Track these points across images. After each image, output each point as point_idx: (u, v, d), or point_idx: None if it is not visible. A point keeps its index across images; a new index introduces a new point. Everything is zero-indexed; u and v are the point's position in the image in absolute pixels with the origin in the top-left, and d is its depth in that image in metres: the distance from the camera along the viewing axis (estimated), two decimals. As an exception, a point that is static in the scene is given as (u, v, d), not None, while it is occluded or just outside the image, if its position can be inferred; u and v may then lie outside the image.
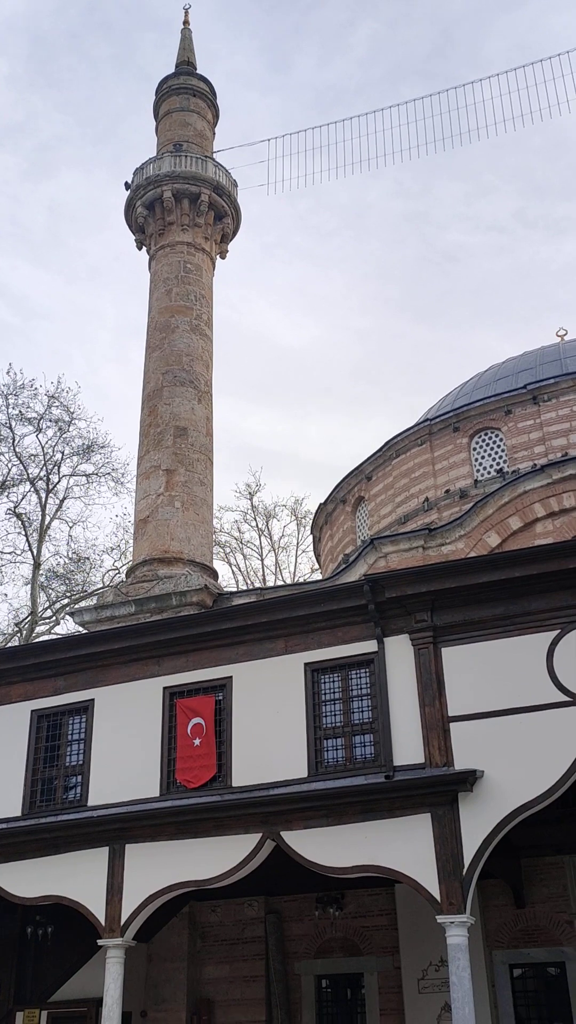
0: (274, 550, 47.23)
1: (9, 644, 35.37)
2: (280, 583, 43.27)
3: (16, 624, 37.73)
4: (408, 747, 12.66)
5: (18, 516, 37.62)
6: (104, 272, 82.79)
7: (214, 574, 24.68)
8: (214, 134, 31.87)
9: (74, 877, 13.69)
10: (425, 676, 12.89)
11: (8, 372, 38.13)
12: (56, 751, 15.02)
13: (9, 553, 38.13)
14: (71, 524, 39.55)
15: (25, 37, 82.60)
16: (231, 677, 14.19)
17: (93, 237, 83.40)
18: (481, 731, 12.33)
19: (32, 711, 15.39)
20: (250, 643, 14.27)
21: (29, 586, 37.32)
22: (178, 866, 13.15)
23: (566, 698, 12.06)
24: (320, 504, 31.85)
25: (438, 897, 11.60)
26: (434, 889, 11.64)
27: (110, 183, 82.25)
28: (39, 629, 36.97)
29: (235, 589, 35.60)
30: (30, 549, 37.49)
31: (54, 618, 37.92)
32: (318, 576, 37.84)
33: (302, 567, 46.49)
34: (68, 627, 36.37)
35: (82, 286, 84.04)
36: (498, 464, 25.81)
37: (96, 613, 22.63)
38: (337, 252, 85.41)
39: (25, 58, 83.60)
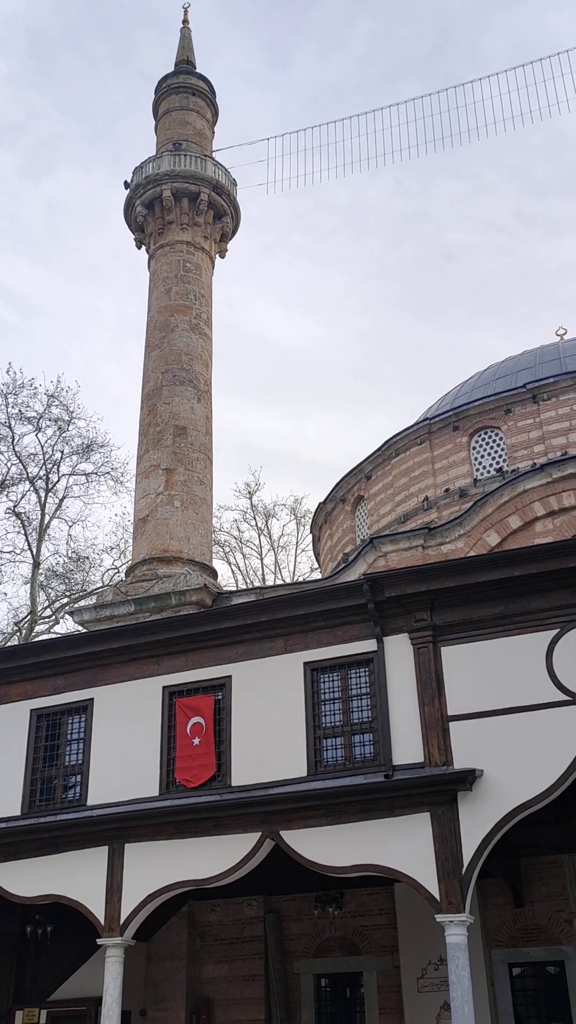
0: (273, 549, 47.26)
1: (8, 643, 35.38)
2: (279, 582, 43.27)
3: (15, 623, 37.73)
4: (407, 746, 12.66)
5: (17, 515, 37.61)
6: (103, 271, 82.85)
7: (213, 573, 24.68)
8: (213, 133, 31.85)
9: (73, 876, 13.69)
10: (424, 675, 12.89)
11: (7, 371, 38.09)
12: (55, 750, 15.02)
13: (8, 552, 38.13)
14: (70, 523, 39.54)
15: (24, 36, 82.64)
16: (230, 676, 14.19)
17: (92, 236, 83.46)
18: (480, 730, 12.33)
19: (31, 710, 15.39)
20: (249, 642, 14.27)
21: (28, 585, 37.32)
22: (177, 865, 13.15)
23: (565, 697, 12.07)
24: (319, 503, 31.85)
25: (437, 896, 11.60)
26: (433, 888, 11.64)
27: (109, 182, 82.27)
28: (38, 628, 36.96)
29: (234, 588, 35.59)
30: (29, 548, 37.49)
31: (53, 617, 37.92)
32: (317, 575, 37.84)
33: (301, 566, 46.53)
34: (67, 626, 36.37)
35: (81, 285, 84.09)
36: (498, 463, 25.80)
37: (95, 612, 22.63)
38: (336, 251, 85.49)
39: (24, 56, 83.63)
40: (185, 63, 32.23)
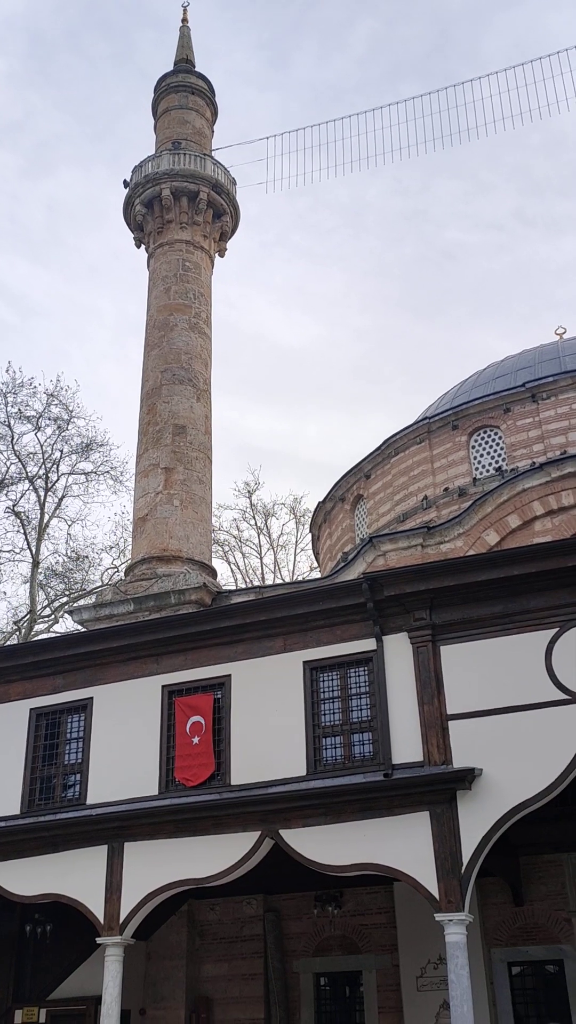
0: (273, 548, 47.25)
1: (8, 642, 35.37)
2: (279, 581, 43.26)
3: (15, 622, 37.73)
4: (407, 745, 12.66)
5: (17, 514, 37.59)
6: (103, 270, 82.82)
7: (213, 572, 24.68)
8: (213, 132, 31.84)
9: (73, 875, 13.70)
10: (424, 674, 12.89)
11: (7, 370, 38.05)
12: (55, 749, 15.03)
13: (8, 551, 38.10)
14: (70, 522, 39.51)
15: (24, 35, 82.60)
16: (230, 675, 14.20)
17: (92, 235, 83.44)
18: (480, 729, 12.33)
19: (31, 709, 15.39)
20: (249, 641, 14.27)
21: (28, 584, 37.30)
22: (177, 864, 13.16)
23: (564, 696, 12.07)
24: (319, 502, 31.84)
25: (437, 895, 11.61)
26: (433, 887, 11.65)
27: (109, 181, 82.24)
28: (38, 627, 36.94)
29: (234, 587, 35.61)
30: (29, 547, 37.46)
31: (53, 616, 37.90)
32: (317, 574, 37.84)
33: (301, 565, 46.52)
34: (67, 625, 36.35)
35: (81, 284, 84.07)
36: (497, 462, 25.81)
37: (95, 611, 22.63)
38: (336, 250, 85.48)
39: (24, 56, 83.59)
40: (184, 62, 32.22)
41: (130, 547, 26.80)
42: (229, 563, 46.02)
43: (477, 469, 26.07)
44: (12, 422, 37.20)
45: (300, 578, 43.00)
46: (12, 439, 37.21)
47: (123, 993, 13.22)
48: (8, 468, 37.32)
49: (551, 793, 11.69)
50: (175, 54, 32.66)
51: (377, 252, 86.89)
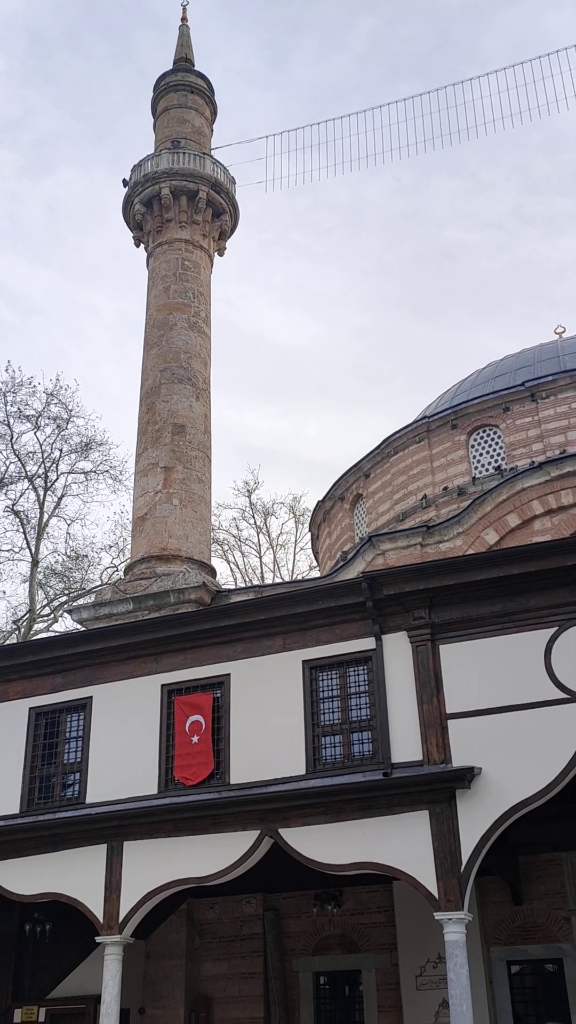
0: (272, 548, 47.27)
1: (7, 642, 35.39)
2: (278, 581, 43.29)
3: (14, 622, 37.75)
4: (406, 744, 12.67)
5: (16, 514, 37.62)
6: (102, 269, 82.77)
7: (212, 571, 24.68)
8: (212, 131, 31.82)
9: (72, 874, 13.71)
10: (423, 673, 12.90)
11: (7, 369, 38.11)
12: (54, 748, 15.03)
13: (7, 551, 38.15)
14: (69, 522, 39.58)
15: (24, 34, 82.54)
16: (229, 674, 14.20)
17: (91, 234, 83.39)
18: (479, 728, 12.34)
19: (30, 708, 15.39)
20: (248, 640, 14.27)
21: (27, 584, 37.33)
22: (176, 863, 13.16)
23: (564, 695, 12.08)
24: (318, 502, 31.84)
25: (436, 894, 11.61)
26: (432, 886, 11.66)
27: (108, 180, 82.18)
28: (37, 627, 36.97)
29: (233, 587, 35.61)
30: (28, 547, 37.50)
31: (52, 616, 37.95)
32: (316, 573, 37.85)
33: (300, 565, 46.55)
34: (66, 625, 36.38)
35: (80, 283, 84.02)
36: (496, 461, 25.81)
37: (94, 611, 22.62)
38: (335, 249, 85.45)
39: (23, 55, 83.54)
40: (184, 61, 32.19)
41: (129, 546, 26.80)
42: (228, 562, 46.08)
43: (476, 468, 26.07)
44: (12, 421, 37.30)
45: (299, 577, 43.03)
46: (11, 438, 37.30)
47: (122, 992, 13.23)
48: (7, 467, 37.39)
49: (550, 792, 11.70)
50: (174, 53, 32.63)
51: (376, 251, 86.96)
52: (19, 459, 37.48)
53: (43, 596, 38.40)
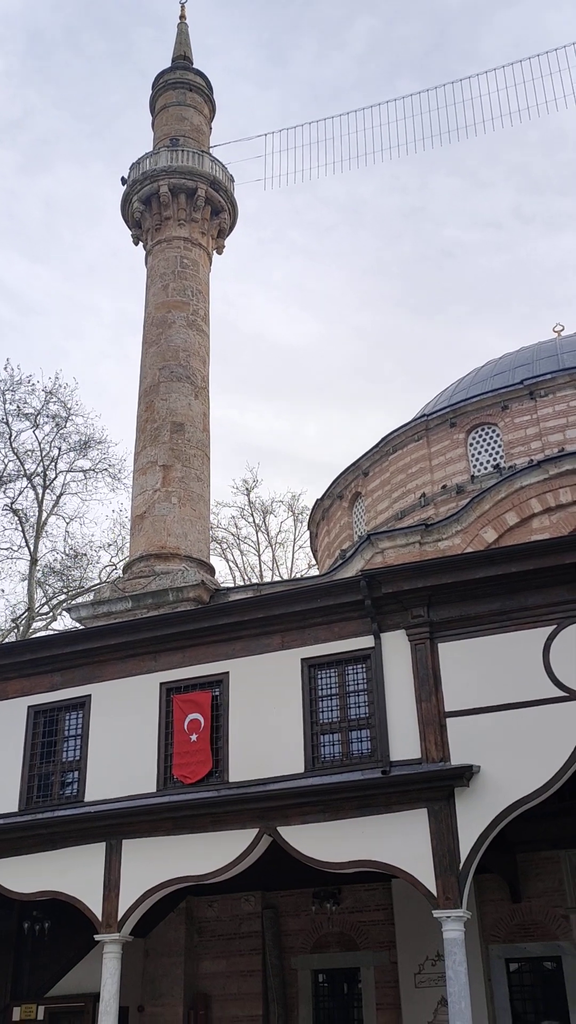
0: (271, 546, 47.29)
1: (6, 640, 35.38)
2: (277, 579, 43.28)
3: (13, 620, 37.75)
4: (405, 742, 12.67)
5: (15, 512, 37.61)
6: (101, 267, 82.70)
7: (211, 570, 24.68)
8: (211, 129, 31.79)
9: (71, 872, 13.70)
10: (422, 671, 12.90)
11: (5, 368, 38.00)
12: (53, 747, 15.03)
13: (6, 549, 38.15)
14: (68, 520, 39.59)
15: (22, 33, 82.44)
16: (228, 673, 14.20)
17: (90, 232, 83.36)
18: (477, 726, 12.34)
19: (29, 707, 15.39)
20: (247, 638, 14.27)
21: (26, 582, 37.33)
22: (175, 861, 13.16)
23: (562, 693, 12.08)
24: (317, 500, 31.85)
25: (434, 892, 11.62)
26: (430, 884, 11.66)
27: (107, 178, 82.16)
28: (36, 625, 36.96)
29: (232, 585, 35.62)
30: (27, 545, 37.49)
31: (51, 614, 37.93)
32: (315, 572, 37.86)
33: (299, 563, 46.57)
34: (65, 623, 36.38)
35: (79, 281, 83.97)
36: (495, 460, 25.81)
37: (93, 609, 22.63)
38: (334, 248, 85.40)
39: (22, 53, 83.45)
40: (182, 59, 32.16)
41: (128, 545, 26.77)
42: (227, 561, 46.10)
43: (475, 467, 26.07)
44: (10, 419, 37.28)
45: (298, 576, 43.06)
46: (10, 436, 37.28)
47: (121, 990, 13.24)
48: (6, 465, 37.38)
49: (549, 790, 11.71)
50: (173, 51, 32.59)
51: (375, 250, 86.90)
52: (18, 457, 37.49)
53: (42, 594, 38.42)
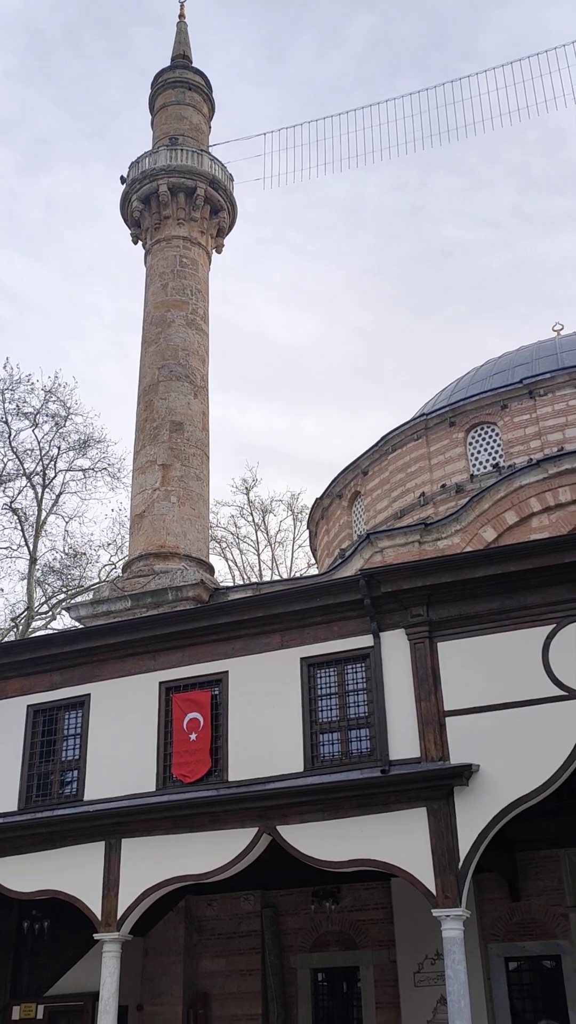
0: (270, 545, 47.29)
1: (5, 639, 35.38)
2: (276, 578, 43.29)
3: (12, 619, 37.75)
4: (404, 741, 12.67)
5: (14, 511, 37.61)
6: (100, 267, 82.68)
7: (210, 569, 24.68)
8: (210, 128, 31.77)
9: (70, 871, 13.70)
10: (421, 670, 12.90)
11: (4, 367, 37.98)
12: (52, 746, 15.03)
13: (5, 548, 38.15)
14: (67, 519, 39.59)
15: (21, 32, 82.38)
16: (227, 672, 14.20)
17: (89, 231, 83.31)
18: (477, 725, 12.34)
19: (28, 706, 15.38)
20: (246, 638, 14.27)
21: (25, 581, 37.34)
22: (174, 861, 13.16)
23: (562, 692, 12.08)
24: (316, 499, 31.85)
25: (434, 891, 11.62)
26: (430, 883, 11.67)
27: (106, 177, 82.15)
28: (35, 624, 36.97)
29: (231, 584, 35.61)
30: (26, 544, 37.49)
31: (50, 613, 37.94)
32: (314, 571, 37.86)
33: (298, 562, 46.58)
34: (64, 622, 36.40)
35: (78, 280, 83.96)
36: (494, 459, 25.82)
37: (92, 608, 22.62)
38: (334, 247, 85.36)
39: (21, 52, 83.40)
40: (181, 58, 32.14)
41: (127, 544, 26.77)
42: (227, 560, 46.11)
43: (474, 466, 26.07)
44: (9, 419, 37.28)
45: (297, 575, 43.07)
46: (9, 436, 37.29)
47: (121, 989, 13.24)
48: (5, 464, 37.38)
49: (548, 789, 11.71)
50: (172, 50, 32.58)
51: (375, 249, 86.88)
52: (17, 456, 37.48)
53: (41, 594, 38.41)
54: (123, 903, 13.22)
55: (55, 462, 38.13)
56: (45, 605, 38.19)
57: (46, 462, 37.93)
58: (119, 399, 77.42)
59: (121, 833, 13.57)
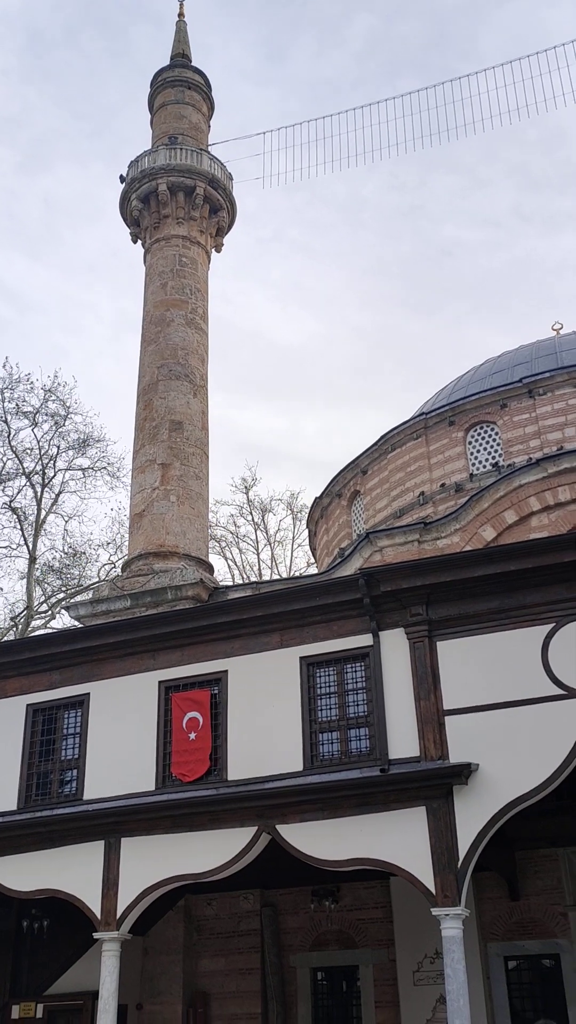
0: (270, 544, 47.30)
1: (5, 638, 35.38)
2: (276, 577, 43.28)
3: (12, 618, 37.75)
4: (403, 740, 12.68)
5: (14, 510, 37.60)
6: (99, 266, 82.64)
7: (210, 568, 24.68)
8: (209, 127, 31.76)
9: (70, 871, 13.70)
10: (420, 670, 12.90)
11: (4, 366, 37.97)
12: (51, 745, 15.03)
13: (5, 547, 38.15)
14: (67, 518, 39.58)
15: (21, 31, 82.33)
16: (226, 671, 14.20)
17: (88, 231, 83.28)
18: (476, 724, 12.35)
19: (27, 705, 15.38)
20: (245, 637, 14.27)
21: (25, 580, 37.33)
22: (174, 860, 13.16)
23: (561, 691, 12.09)
24: (316, 498, 31.85)
25: (433, 890, 11.63)
26: (429, 882, 11.67)
27: (105, 176, 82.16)
28: (35, 623, 36.97)
29: (231, 583, 35.61)
30: (26, 543, 37.48)
31: (50, 612, 37.93)
32: (314, 570, 37.86)
33: (298, 561, 46.58)
34: (64, 621, 36.39)
35: (78, 280, 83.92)
36: (493, 458, 25.82)
37: (92, 607, 22.62)
38: (333, 246, 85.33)
39: (20, 51, 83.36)
40: (181, 57, 32.12)
41: (127, 543, 26.76)
42: (226, 559, 46.10)
43: (474, 465, 26.07)
44: (9, 418, 37.27)
45: (297, 574, 43.08)
46: (9, 435, 37.28)
47: (120, 988, 13.24)
48: (5, 464, 37.37)
49: (547, 788, 11.71)
50: (171, 49, 32.55)
51: (375, 248, 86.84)
52: (16, 456, 37.47)
53: (40, 593, 38.40)
54: (122, 902, 13.22)
55: (54, 461, 38.15)
56: (44, 604, 38.20)
57: (45, 461, 37.95)
58: (118, 398, 77.44)
59: (120, 832, 13.57)
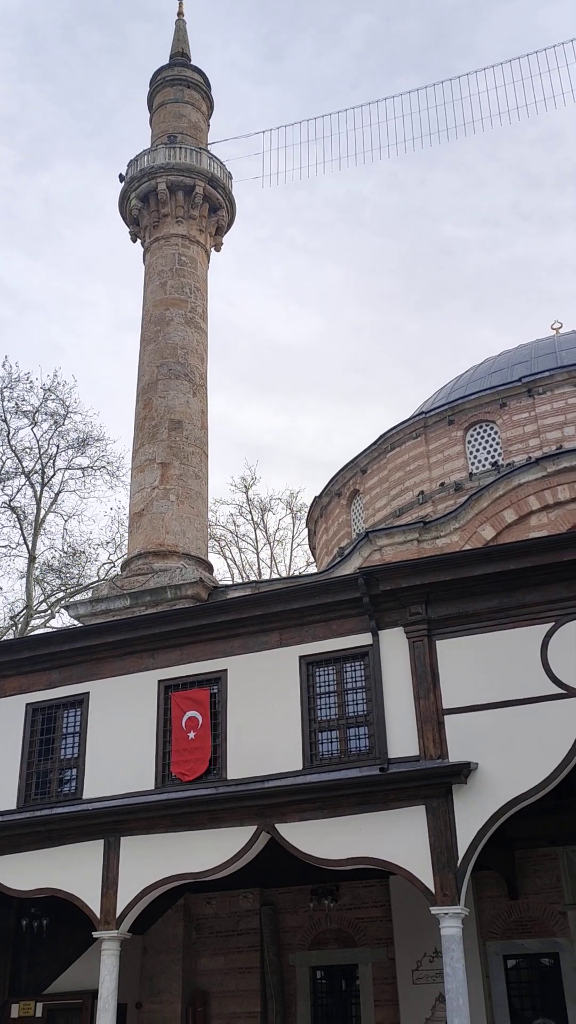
0: (269, 543, 47.30)
1: (4, 637, 35.38)
2: (275, 576, 43.30)
3: (11, 618, 37.75)
4: (403, 740, 12.68)
5: (13, 510, 37.60)
6: (99, 265, 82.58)
7: (209, 567, 24.68)
8: (208, 126, 31.75)
9: (69, 870, 13.71)
10: (420, 669, 12.91)
11: (3, 365, 37.94)
12: (51, 744, 15.03)
13: (4, 547, 38.14)
14: (66, 517, 39.56)
15: (19, 29, 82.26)
16: (226, 670, 14.20)
17: (87, 230, 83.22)
18: (476, 723, 12.35)
19: (27, 704, 15.39)
20: (245, 636, 14.28)
21: (24, 580, 37.33)
22: (173, 859, 13.17)
23: (560, 690, 12.09)
24: (315, 497, 31.85)
25: (432, 888, 11.64)
26: (428, 881, 11.68)
27: (104, 175, 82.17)
28: (34, 623, 36.97)
29: (230, 582, 35.62)
30: (25, 543, 37.48)
31: (49, 611, 37.93)
32: (313, 569, 37.87)
33: (297, 560, 46.58)
34: (63, 620, 36.39)
35: (77, 279, 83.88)
36: (493, 457, 25.82)
37: (91, 606, 22.62)
38: (333, 245, 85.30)
39: (19, 50, 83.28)
40: (180, 56, 32.09)
41: (126, 542, 26.76)
42: (225, 558, 46.10)
43: (473, 464, 26.08)
44: (8, 417, 37.25)
45: (296, 573, 43.09)
46: (8, 434, 37.26)
47: (120, 987, 13.24)
48: (4, 463, 37.35)
49: (547, 787, 11.72)
50: (171, 48, 32.53)
51: (374, 247, 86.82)
52: (16, 455, 37.46)
53: (40, 592, 38.40)
54: (122, 901, 13.23)
55: (54, 460, 38.14)
56: (44, 603, 38.20)
57: (45, 460, 37.93)
58: (118, 397, 77.42)
59: (120, 831, 13.58)
